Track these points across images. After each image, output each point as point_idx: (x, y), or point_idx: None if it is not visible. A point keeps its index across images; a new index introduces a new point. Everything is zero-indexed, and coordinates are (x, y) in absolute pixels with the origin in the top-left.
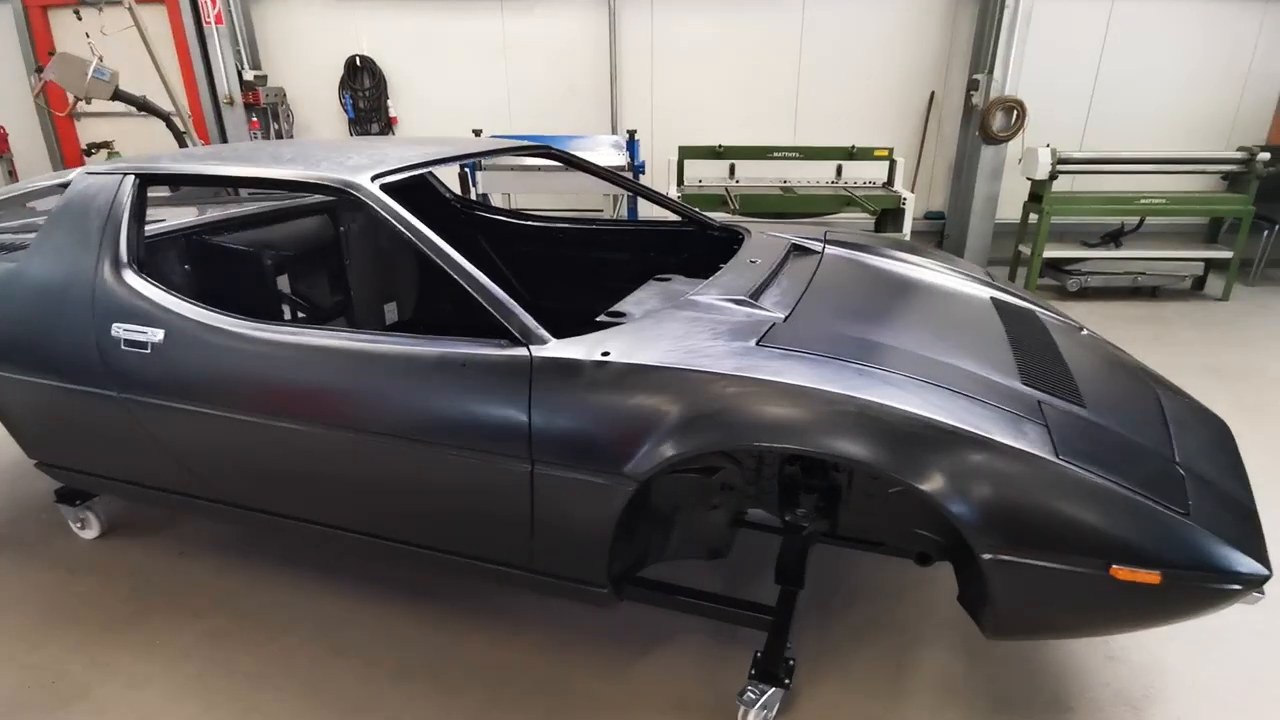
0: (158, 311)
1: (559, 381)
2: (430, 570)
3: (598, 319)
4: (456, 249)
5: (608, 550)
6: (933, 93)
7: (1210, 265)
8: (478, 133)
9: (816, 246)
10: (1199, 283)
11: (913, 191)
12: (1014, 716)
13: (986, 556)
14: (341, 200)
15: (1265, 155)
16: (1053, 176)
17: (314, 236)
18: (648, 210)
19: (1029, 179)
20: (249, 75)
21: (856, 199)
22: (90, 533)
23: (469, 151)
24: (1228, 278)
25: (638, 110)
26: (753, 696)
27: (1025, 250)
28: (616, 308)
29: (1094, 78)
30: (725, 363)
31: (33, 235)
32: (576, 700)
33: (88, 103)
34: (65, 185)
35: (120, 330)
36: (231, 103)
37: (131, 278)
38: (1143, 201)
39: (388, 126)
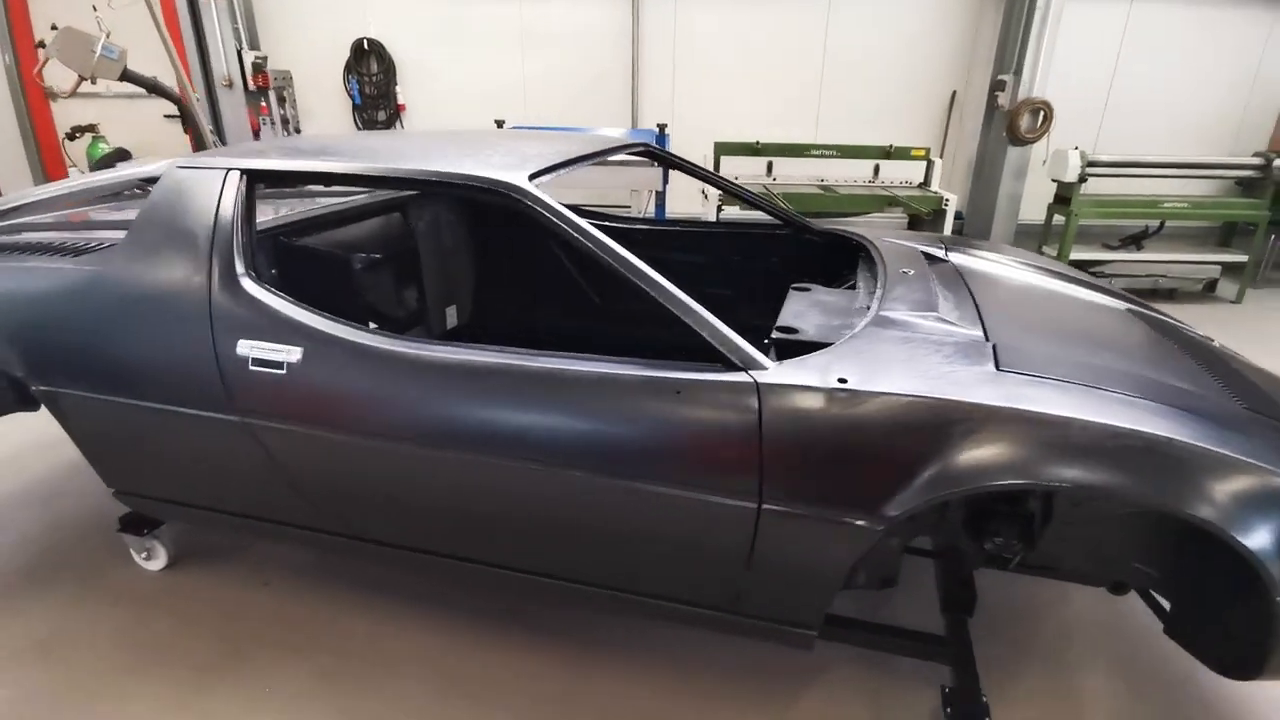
0: (293, 327)
1: (794, 412)
2: (563, 603)
3: (773, 335)
4: (530, 250)
5: (834, 592)
6: (954, 92)
7: (1224, 269)
8: (500, 123)
9: (939, 253)
10: (1210, 285)
11: (937, 190)
12: None
13: None
14: (414, 198)
15: (1279, 161)
16: (1082, 179)
17: (386, 237)
18: (673, 207)
19: (1055, 181)
20: (249, 56)
21: (902, 200)
22: (156, 563)
23: (598, 149)
24: (1242, 281)
25: (658, 103)
26: None
27: (1049, 251)
28: (784, 323)
29: (1110, 81)
30: (982, 391)
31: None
32: None
33: (93, 83)
34: (151, 181)
35: (248, 348)
36: (230, 85)
37: (254, 288)
38: (1166, 205)
39: (395, 114)
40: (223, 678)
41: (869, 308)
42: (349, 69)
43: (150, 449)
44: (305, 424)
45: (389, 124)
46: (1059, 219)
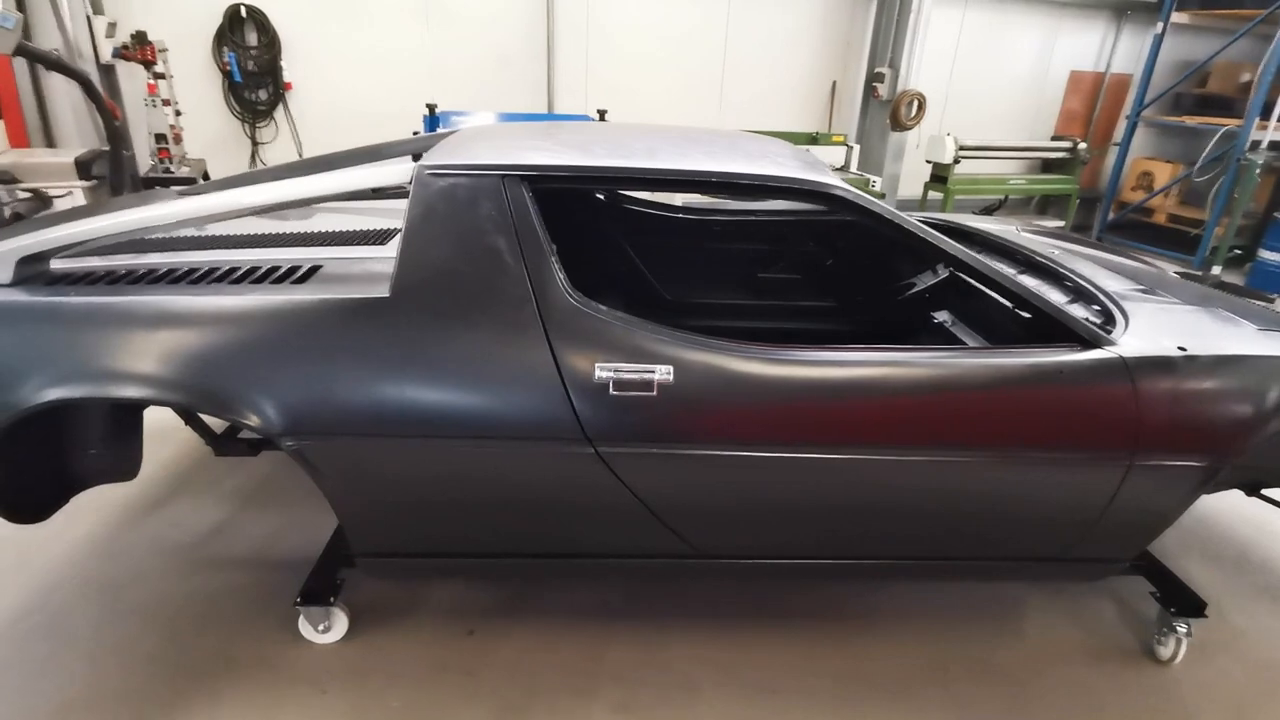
0: (656, 346)
1: (1159, 378)
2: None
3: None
4: (583, 236)
5: (1169, 525)
6: (834, 82)
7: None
8: (432, 108)
9: (1015, 231)
10: None
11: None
12: None
13: None
14: None
15: (1084, 145)
16: (956, 161)
17: None
18: None
19: (931, 162)
20: (100, 23)
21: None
22: (335, 634)
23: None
24: None
25: (572, 87)
26: (1183, 629)
27: None
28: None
29: (950, 75)
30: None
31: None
32: (1004, 677)
33: None
34: (375, 193)
35: (609, 373)
36: (78, 58)
37: (596, 309)
38: (1011, 182)
39: (280, 94)
40: None
41: (1076, 286)
42: (222, 40)
43: (445, 494)
44: (679, 444)
45: (271, 105)
46: (934, 195)
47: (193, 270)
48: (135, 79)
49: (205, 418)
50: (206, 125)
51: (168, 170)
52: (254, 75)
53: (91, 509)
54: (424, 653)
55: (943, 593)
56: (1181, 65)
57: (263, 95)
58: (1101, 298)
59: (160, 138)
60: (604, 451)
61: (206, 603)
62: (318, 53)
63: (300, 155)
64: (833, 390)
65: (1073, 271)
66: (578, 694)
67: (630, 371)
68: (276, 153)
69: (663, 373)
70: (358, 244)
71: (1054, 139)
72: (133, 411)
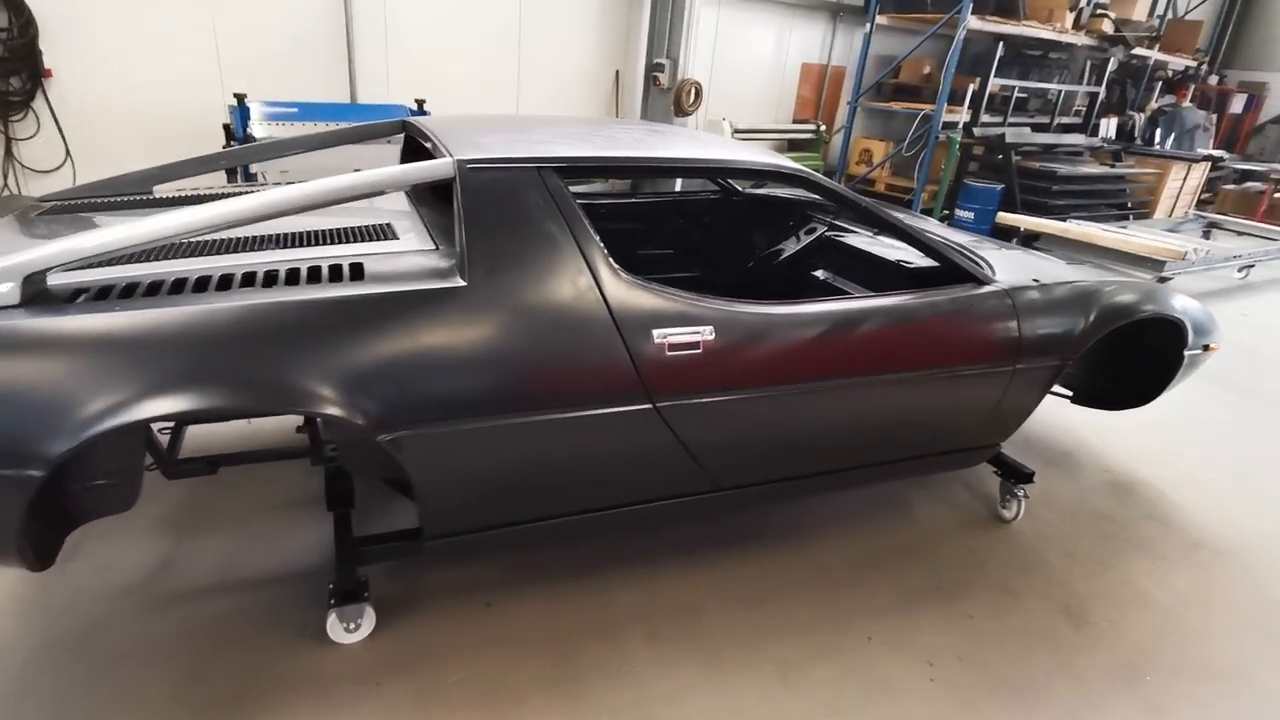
0: (698, 310)
1: (1028, 304)
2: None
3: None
4: None
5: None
6: (617, 71)
7: None
8: (241, 97)
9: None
10: None
11: None
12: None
13: None
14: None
15: (824, 127)
16: None
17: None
18: None
19: None
20: None
21: None
22: (363, 631)
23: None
24: None
25: (373, 74)
26: (1022, 493)
27: None
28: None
29: (711, 65)
30: (1092, 273)
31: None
32: (917, 553)
33: None
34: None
35: (665, 336)
36: None
37: (640, 280)
38: None
39: (37, 81)
40: (575, 688)
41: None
42: None
43: (524, 467)
44: (718, 391)
45: (28, 95)
46: None
47: (229, 276)
48: None
49: (158, 439)
50: None
51: None
52: (5, 61)
53: None
54: (455, 631)
55: (846, 499)
56: (886, 59)
57: (15, 84)
58: (960, 248)
59: None
60: (660, 406)
61: (199, 633)
62: (85, 36)
63: (67, 150)
64: (834, 330)
65: (928, 230)
66: (610, 636)
67: (682, 334)
68: (36, 151)
69: (706, 333)
70: (368, 240)
71: (795, 122)
72: (137, 436)
